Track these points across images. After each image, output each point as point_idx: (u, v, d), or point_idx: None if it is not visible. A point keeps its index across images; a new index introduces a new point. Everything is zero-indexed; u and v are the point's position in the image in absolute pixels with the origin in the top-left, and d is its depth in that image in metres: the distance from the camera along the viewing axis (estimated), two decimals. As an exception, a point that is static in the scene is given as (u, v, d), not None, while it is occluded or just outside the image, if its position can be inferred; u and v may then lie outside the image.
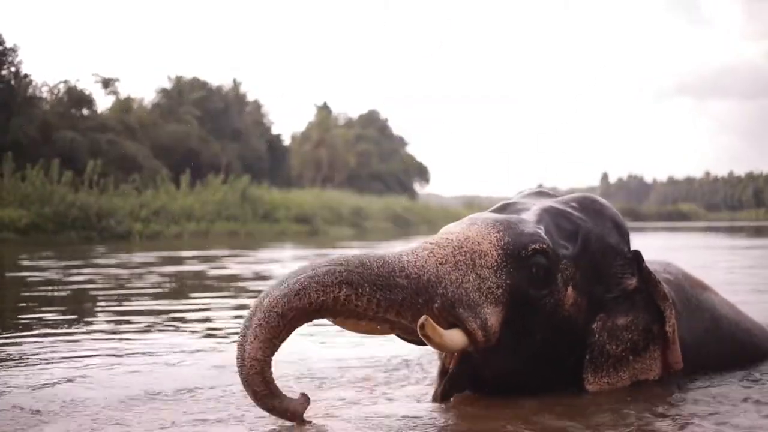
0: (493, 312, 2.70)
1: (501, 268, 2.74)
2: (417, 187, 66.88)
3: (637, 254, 3.06)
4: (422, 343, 2.64)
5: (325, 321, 2.63)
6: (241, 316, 5.56)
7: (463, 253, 2.72)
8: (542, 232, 2.86)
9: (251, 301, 2.56)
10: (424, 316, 2.50)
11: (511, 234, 2.80)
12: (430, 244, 2.75)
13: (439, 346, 2.60)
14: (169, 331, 4.89)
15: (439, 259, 2.67)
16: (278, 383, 2.50)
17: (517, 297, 2.75)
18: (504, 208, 3.16)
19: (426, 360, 3.66)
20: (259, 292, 2.77)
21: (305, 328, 4.71)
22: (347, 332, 2.74)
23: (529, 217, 2.96)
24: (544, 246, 2.80)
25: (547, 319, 2.82)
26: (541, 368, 2.89)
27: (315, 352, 4.01)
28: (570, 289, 2.87)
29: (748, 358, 3.50)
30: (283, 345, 2.49)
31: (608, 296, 2.97)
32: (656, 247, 16.75)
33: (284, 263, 12.18)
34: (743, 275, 9.34)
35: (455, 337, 2.63)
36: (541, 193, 3.29)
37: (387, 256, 2.61)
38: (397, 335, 2.75)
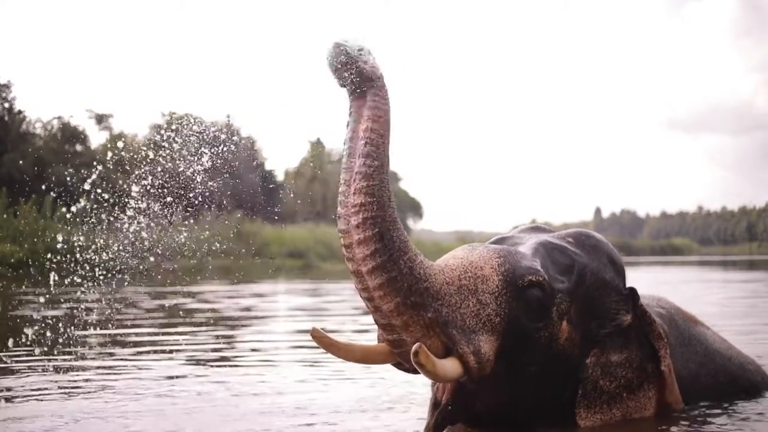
0: (488, 340, 2.69)
1: (501, 295, 2.74)
2: (410, 222, 66.90)
3: (632, 291, 3.07)
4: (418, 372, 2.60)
5: (323, 358, 2.60)
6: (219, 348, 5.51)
7: (467, 278, 2.72)
8: (538, 265, 2.86)
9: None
10: (417, 344, 2.48)
11: (511, 261, 2.81)
12: (442, 264, 2.76)
13: (432, 375, 2.58)
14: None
15: (446, 279, 2.69)
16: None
17: (513, 328, 2.74)
18: (500, 242, 3.16)
19: (418, 395, 3.64)
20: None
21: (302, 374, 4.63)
22: (342, 374, 2.70)
23: (525, 251, 2.97)
24: (540, 279, 2.80)
25: (542, 352, 2.81)
26: (535, 401, 2.87)
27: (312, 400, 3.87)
28: (565, 323, 2.86)
29: (741, 391, 3.51)
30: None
31: (602, 332, 2.96)
32: (649, 280, 16.75)
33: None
34: (735, 308, 9.35)
35: (448, 367, 2.60)
36: (536, 228, 3.30)
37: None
38: (395, 365, 2.74)
